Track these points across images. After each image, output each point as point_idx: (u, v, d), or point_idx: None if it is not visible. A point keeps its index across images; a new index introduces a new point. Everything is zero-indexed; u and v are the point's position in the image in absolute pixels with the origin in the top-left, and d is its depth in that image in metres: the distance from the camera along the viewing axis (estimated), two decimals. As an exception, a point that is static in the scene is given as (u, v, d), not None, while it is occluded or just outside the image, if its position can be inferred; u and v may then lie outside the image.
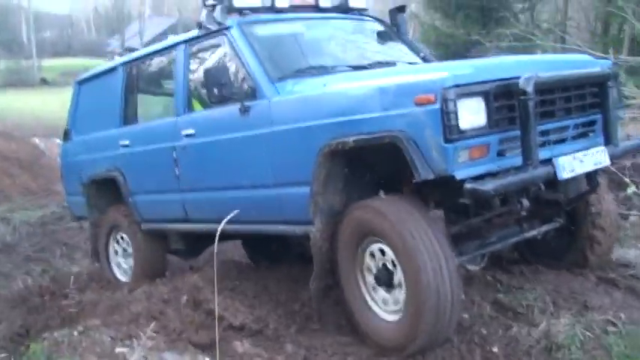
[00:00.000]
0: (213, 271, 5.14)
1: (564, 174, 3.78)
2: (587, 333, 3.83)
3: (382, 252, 3.88)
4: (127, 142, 5.86)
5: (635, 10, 13.70)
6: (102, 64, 7.01)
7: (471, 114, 3.48)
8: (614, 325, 3.96)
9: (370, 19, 5.72)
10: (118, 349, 3.74)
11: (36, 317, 6.03)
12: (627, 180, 6.23)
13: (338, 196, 4.16)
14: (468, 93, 3.48)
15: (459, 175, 3.48)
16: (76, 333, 4.32)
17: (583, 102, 4.06)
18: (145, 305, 4.91)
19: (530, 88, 3.51)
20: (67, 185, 7.13)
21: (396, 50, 5.46)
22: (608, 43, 15.90)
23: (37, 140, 26.07)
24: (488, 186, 3.45)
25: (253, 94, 4.54)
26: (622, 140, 4.33)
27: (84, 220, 7.25)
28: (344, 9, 5.52)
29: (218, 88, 4.40)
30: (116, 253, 6.46)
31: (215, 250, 3.82)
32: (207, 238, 5.47)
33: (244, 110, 4.53)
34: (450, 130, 3.41)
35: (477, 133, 3.52)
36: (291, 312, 4.68)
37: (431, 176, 3.51)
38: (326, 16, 5.43)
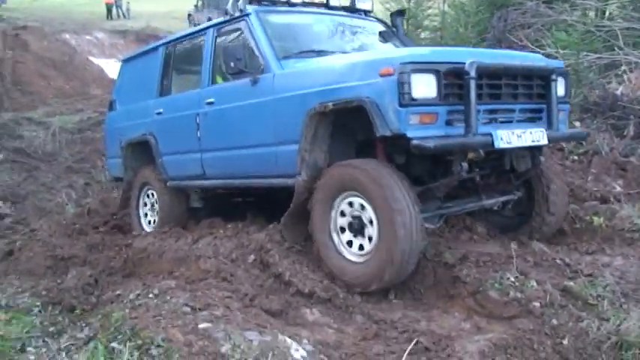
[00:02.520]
0: (277, 229, 5.30)
1: (500, 144, 4.55)
2: (658, 332, 3.90)
3: (351, 204, 4.71)
4: (160, 110, 6.85)
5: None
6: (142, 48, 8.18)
7: (423, 86, 4.33)
8: (684, 322, 4.02)
9: (373, 19, 6.71)
10: (201, 325, 3.85)
11: (98, 257, 6.23)
12: None
13: (322, 154, 5.04)
14: (422, 69, 4.33)
15: (410, 134, 4.32)
16: (151, 295, 4.46)
17: (530, 91, 4.89)
18: (214, 263, 5.05)
19: (472, 71, 4.36)
20: (109, 149, 8.16)
21: (391, 46, 6.34)
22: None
23: (67, 36, 25.99)
24: (430, 143, 4.27)
25: (263, 68, 5.43)
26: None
27: (119, 180, 7.94)
28: (351, 9, 6.55)
29: (234, 62, 5.35)
30: (145, 205, 7.34)
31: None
32: (222, 198, 6.96)
33: (254, 82, 5.45)
34: (404, 97, 4.29)
35: (428, 102, 4.36)
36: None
37: (388, 133, 4.39)
38: (334, 13, 6.40)
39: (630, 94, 8.21)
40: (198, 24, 11.60)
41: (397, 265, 4.41)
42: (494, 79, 4.64)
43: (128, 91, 7.78)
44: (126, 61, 8.17)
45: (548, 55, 8.40)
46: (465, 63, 4.40)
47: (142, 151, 7.22)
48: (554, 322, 4.04)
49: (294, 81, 5.20)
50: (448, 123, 4.46)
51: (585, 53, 8.95)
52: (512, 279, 4.44)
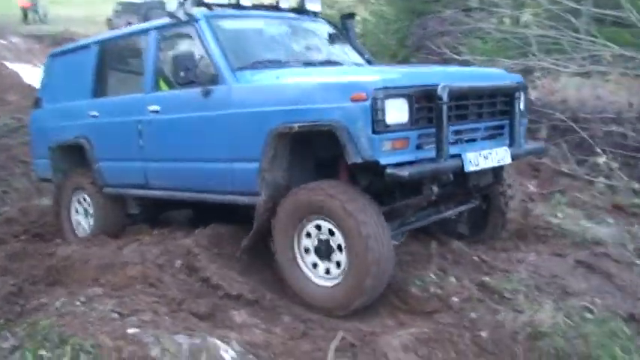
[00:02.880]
0: (204, 234, 5.34)
1: (470, 167, 4.53)
2: (568, 321, 4.14)
3: (319, 227, 4.58)
4: (95, 113, 6.50)
5: None
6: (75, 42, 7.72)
7: (396, 112, 4.23)
8: (591, 312, 4.28)
9: (323, 21, 6.50)
10: (130, 330, 3.86)
11: (19, 266, 6.10)
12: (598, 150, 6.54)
13: (282, 174, 4.86)
14: (395, 94, 4.22)
15: (383, 161, 4.21)
16: (78, 303, 4.43)
17: (493, 109, 4.87)
18: (140, 269, 5.03)
19: (445, 95, 4.26)
20: (35, 149, 7.68)
21: (343, 51, 6.25)
22: None
23: (-17, 41, 25.14)
24: (405, 172, 4.18)
25: (215, 79, 5.19)
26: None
27: (47, 181, 7.66)
28: (300, 10, 6.34)
29: (184, 71, 5.08)
30: (77, 212, 7.01)
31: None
32: (160, 205, 6.64)
33: (206, 93, 5.21)
34: (377, 124, 4.16)
35: (400, 128, 4.27)
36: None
37: (360, 160, 4.25)
38: (284, 16, 6.20)
39: (543, 98, 8.60)
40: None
41: (368, 291, 4.36)
42: (462, 100, 4.57)
43: (56, 88, 7.32)
44: (54, 56, 7.65)
45: (465, 62, 8.72)
46: (435, 85, 4.30)
47: (73, 153, 6.86)
48: (473, 315, 4.25)
49: (252, 97, 4.97)
50: (418, 147, 4.39)
51: (501, 60, 9.29)
52: (433, 276, 4.64)
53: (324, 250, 4.59)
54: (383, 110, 4.16)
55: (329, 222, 4.48)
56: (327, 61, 5.79)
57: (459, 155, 4.50)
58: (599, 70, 8.56)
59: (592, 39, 8.75)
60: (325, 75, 4.94)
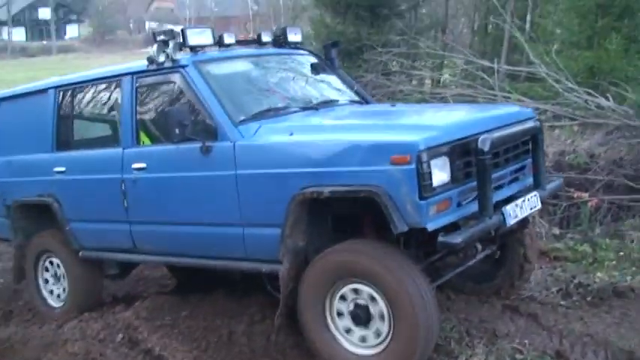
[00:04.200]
0: (144, 307, 5.39)
1: (511, 221, 4.28)
2: (499, 362, 4.35)
3: (356, 291, 4.20)
4: (62, 169, 5.81)
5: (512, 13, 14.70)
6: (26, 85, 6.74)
7: (439, 172, 3.90)
8: (521, 352, 4.49)
9: (306, 52, 6.01)
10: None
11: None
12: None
13: (301, 237, 4.41)
14: (437, 154, 3.89)
15: (430, 226, 3.87)
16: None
17: (518, 151, 4.60)
18: (82, 345, 5.06)
19: (487, 148, 3.96)
20: None
21: (334, 86, 5.78)
22: (489, 43, 16.90)
23: None
24: (458, 239, 3.89)
25: (214, 134, 4.67)
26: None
27: (4, 241, 7.12)
28: (282, 43, 5.76)
29: (179, 128, 4.54)
30: (46, 279, 6.43)
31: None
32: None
33: (206, 150, 4.66)
34: (425, 189, 3.80)
35: (443, 188, 3.94)
36: (228, 347, 4.92)
37: (405, 229, 3.87)
38: (268, 52, 5.67)
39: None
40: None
41: (420, 353, 4.03)
42: (496, 148, 4.23)
43: (7, 138, 6.50)
44: (1, 100, 6.70)
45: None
46: (473, 137, 4.06)
47: (37, 212, 6.17)
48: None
49: (265, 156, 4.49)
50: (459, 205, 4.09)
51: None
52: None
53: (362, 317, 4.20)
54: (430, 173, 3.81)
55: (368, 286, 4.12)
56: (324, 102, 5.37)
57: (499, 209, 4.24)
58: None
59: (507, 94, 9.24)
60: (348, 130, 4.47)
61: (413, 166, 3.79)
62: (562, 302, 5.26)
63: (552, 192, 5.09)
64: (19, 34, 69.21)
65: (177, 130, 4.54)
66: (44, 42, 66.58)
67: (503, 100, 8.82)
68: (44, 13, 72.46)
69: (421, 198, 3.81)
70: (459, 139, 4.06)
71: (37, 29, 72.19)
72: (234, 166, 4.58)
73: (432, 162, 3.84)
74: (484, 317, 4.92)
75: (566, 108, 8.50)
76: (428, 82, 12.53)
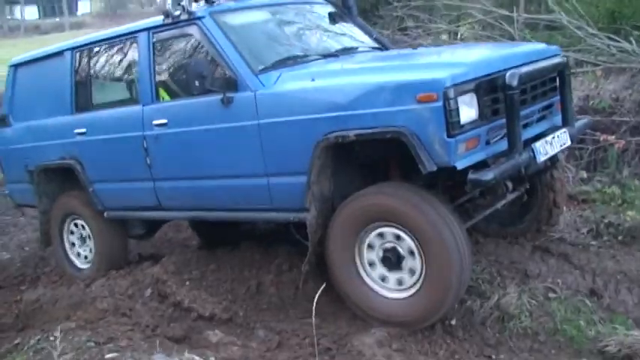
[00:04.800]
0: (171, 261, 5.39)
1: (541, 157, 4.19)
2: (533, 301, 4.31)
3: (381, 235, 4.18)
4: (83, 131, 5.76)
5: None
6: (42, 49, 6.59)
7: (467, 109, 3.82)
8: (554, 291, 4.45)
9: (323, 1, 5.84)
10: (108, 356, 3.89)
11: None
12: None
13: (327, 184, 4.38)
14: (465, 90, 3.80)
15: (460, 165, 3.81)
16: (52, 338, 4.42)
17: (545, 88, 4.49)
18: (111, 301, 5.05)
19: (515, 83, 3.87)
20: (8, 173, 6.91)
21: (353, 34, 5.63)
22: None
23: None
24: (489, 175, 3.80)
25: (234, 84, 4.59)
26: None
27: (26, 207, 7.17)
28: None
29: (199, 80, 4.44)
30: (72, 243, 6.43)
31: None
32: (164, 220, 6.03)
33: (227, 102, 4.59)
34: (453, 126, 3.73)
35: (472, 126, 3.86)
36: (257, 297, 4.95)
37: (434, 168, 3.81)
38: (285, 2, 5.55)
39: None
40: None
41: (452, 296, 4.03)
42: (524, 85, 4.13)
43: (25, 103, 6.51)
44: (17, 66, 6.62)
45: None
46: (501, 72, 3.97)
47: (60, 176, 6.17)
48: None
49: (287, 104, 4.41)
50: (487, 143, 4.02)
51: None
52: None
53: (392, 260, 4.18)
54: (457, 110, 3.73)
55: (394, 227, 4.11)
56: (344, 49, 5.23)
57: (529, 145, 4.16)
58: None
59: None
60: (372, 72, 4.33)
61: (440, 103, 3.71)
62: (593, 242, 5.19)
63: (581, 129, 5.00)
64: (31, 13, 69.19)
65: (196, 83, 4.46)
66: (57, 19, 66.52)
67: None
68: (56, -11, 72.41)
69: (449, 136, 3.74)
70: (486, 76, 3.96)
71: (49, 6, 72.05)
72: (257, 115, 4.52)
73: (460, 99, 3.75)
74: (514, 259, 4.87)
75: (588, 55, 8.33)
76: (445, 37, 12.26)
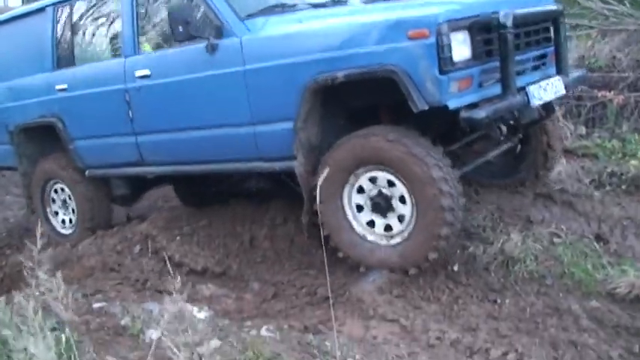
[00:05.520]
0: (160, 218, 5.21)
1: (535, 101, 4.04)
2: (537, 246, 4.15)
3: (373, 180, 4.01)
4: (64, 87, 5.57)
5: None
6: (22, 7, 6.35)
7: (460, 47, 3.69)
8: (559, 236, 4.30)
9: None
10: (96, 305, 3.72)
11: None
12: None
13: (315, 130, 4.23)
14: (458, 27, 3.67)
15: (452, 104, 3.67)
16: (38, 293, 4.24)
17: (539, 36, 4.35)
18: (99, 258, 4.89)
19: (509, 22, 3.74)
20: None
21: None
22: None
23: None
24: (481, 113, 3.69)
25: (219, 32, 4.43)
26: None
27: (7, 169, 7.02)
28: None
29: (182, 26, 4.27)
30: (55, 212, 6.23)
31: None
32: (149, 182, 5.76)
33: (212, 49, 4.42)
34: (445, 62, 3.59)
35: (465, 65, 3.73)
36: (251, 251, 4.79)
37: (425, 107, 3.67)
38: None
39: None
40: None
41: (443, 242, 3.87)
42: (517, 29, 3.97)
43: (5, 63, 6.25)
44: None
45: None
46: (494, 13, 3.81)
47: (41, 135, 5.96)
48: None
49: (273, 48, 4.25)
50: (480, 85, 3.89)
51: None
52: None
53: (382, 205, 4.04)
54: (449, 46, 3.60)
55: (387, 172, 3.95)
56: (335, 1, 4.96)
57: (523, 89, 4.01)
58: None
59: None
60: (362, 13, 4.25)
61: (432, 40, 3.58)
62: (596, 193, 5.03)
63: (576, 81, 4.83)
64: (15, 0, 68.54)
65: (180, 29, 4.29)
66: (40, 6, 65.93)
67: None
68: (38, -24, 71.76)
69: (441, 72, 3.61)
70: (480, 15, 3.82)
71: (31, -6, 71.49)
72: (243, 61, 4.34)
73: (452, 35, 3.62)
74: (516, 206, 4.71)
75: (582, 19, 8.18)
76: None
